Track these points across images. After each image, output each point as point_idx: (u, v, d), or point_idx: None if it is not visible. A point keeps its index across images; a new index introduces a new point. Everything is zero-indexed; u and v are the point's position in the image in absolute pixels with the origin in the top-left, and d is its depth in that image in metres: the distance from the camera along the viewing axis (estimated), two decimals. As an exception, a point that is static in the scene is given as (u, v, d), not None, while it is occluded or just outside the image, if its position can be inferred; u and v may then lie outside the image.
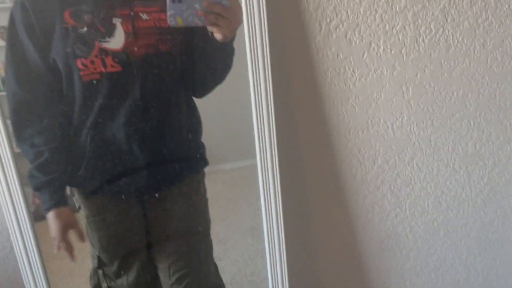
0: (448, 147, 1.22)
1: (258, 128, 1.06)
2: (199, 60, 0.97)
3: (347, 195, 1.21)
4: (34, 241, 1.01)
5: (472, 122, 1.20)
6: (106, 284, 1.07)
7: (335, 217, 1.23)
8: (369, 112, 1.15)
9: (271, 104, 1.04)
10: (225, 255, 1.24)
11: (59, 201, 0.99)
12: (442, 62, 1.14)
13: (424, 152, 1.21)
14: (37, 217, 1.02)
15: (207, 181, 1.10)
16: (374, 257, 1.28)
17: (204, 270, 1.12)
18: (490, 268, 1.34)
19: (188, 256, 1.08)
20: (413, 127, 1.19)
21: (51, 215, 0.98)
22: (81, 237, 1.01)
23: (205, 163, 1.07)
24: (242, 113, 1.12)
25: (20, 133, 0.96)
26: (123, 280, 1.05)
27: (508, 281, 1.37)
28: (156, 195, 1.02)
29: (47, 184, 0.97)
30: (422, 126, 1.19)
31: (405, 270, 1.31)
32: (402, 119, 1.17)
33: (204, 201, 1.09)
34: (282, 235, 1.12)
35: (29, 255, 1.02)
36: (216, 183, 1.16)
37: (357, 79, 1.12)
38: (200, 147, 1.06)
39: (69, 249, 1.00)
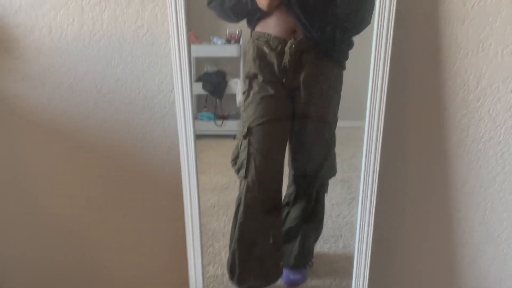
0: (554, 78, 1.16)
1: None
2: None
3: (446, 113, 1.20)
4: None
5: None
6: (245, 152, 1.25)
7: (431, 136, 1.23)
8: (482, 35, 1.13)
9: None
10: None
11: None
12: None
13: (529, 81, 1.17)
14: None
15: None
16: (460, 176, 1.25)
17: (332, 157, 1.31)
18: None
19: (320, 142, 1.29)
20: (523, 56, 1.15)
21: None
22: None
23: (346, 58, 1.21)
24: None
25: None
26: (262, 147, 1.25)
27: None
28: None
29: None
30: (531, 56, 1.15)
31: (488, 193, 1.26)
32: (513, 47, 1.15)
33: (338, 102, 1.24)
34: (375, 187, 1.17)
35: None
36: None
37: (477, 2, 1.11)
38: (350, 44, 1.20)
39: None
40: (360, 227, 1.21)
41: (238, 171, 1.28)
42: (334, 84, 1.24)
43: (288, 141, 1.30)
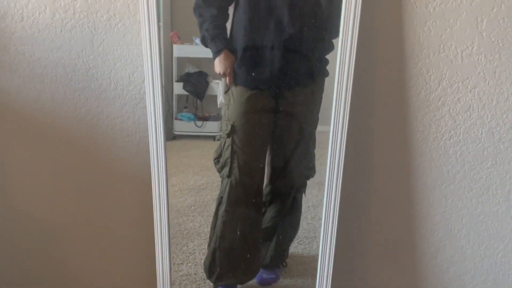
0: (511, 82, 1.20)
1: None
2: None
3: (409, 111, 1.23)
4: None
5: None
6: (229, 151, 1.26)
7: (394, 135, 1.26)
8: (443, 37, 1.17)
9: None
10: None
11: (226, 45, 1.21)
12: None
13: (487, 82, 1.20)
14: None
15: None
16: (422, 173, 1.28)
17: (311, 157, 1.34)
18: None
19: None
20: (481, 58, 1.18)
21: (222, 56, 1.21)
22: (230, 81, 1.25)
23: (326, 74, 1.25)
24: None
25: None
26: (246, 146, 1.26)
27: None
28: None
29: (218, 35, 1.20)
30: (490, 58, 1.18)
31: (448, 190, 1.29)
32: (472, 48, 1.17)
33: (319, 104, 1.27)
34: (339, 190, 1.20)
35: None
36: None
37: (438, 4, 1.15)
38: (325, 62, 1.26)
39: (232, 80, 1.24)
40: (324, 227, 1.22)
41: (221, 169, 1.28)
42: (314, 86, 1.26)
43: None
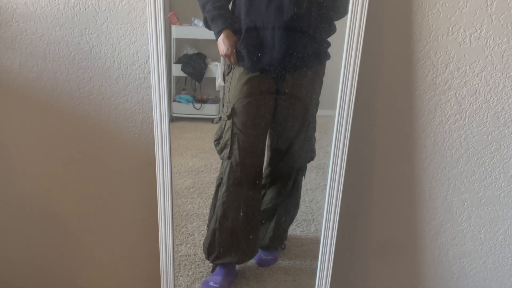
0: (518, 66, 1.20)
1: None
2: None
3: (415, 95, 1.22)
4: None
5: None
6: (229, 132, 1.26)
7: (399, 117, 1.25)
8: (452, 19, 1.15)
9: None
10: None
11: (227, 25, 1.19)
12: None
13: (494, 66, 1.18)
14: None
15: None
16: (426, 156, 1.28)
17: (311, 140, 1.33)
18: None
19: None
20: (489, 41, 1.17)
21: (223, 35, 1.19)
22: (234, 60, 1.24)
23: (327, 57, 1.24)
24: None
25: None
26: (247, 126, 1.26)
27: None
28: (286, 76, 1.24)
29: (219, 15, 1.19)
30: (498, 42, 1.17)
31: (451, 174, 1.29)
32: (480, 31, 1.16)
33: (320, 87, 1.26)
34: (343, 172, 1.19)
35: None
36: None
37: (448, -14, 1.14)
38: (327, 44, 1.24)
39: (235, 58, 1.22)
40: (327, 208, 1.22)
41: (221, 151, 1.28)
42: (318, 68, 1.24)
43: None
